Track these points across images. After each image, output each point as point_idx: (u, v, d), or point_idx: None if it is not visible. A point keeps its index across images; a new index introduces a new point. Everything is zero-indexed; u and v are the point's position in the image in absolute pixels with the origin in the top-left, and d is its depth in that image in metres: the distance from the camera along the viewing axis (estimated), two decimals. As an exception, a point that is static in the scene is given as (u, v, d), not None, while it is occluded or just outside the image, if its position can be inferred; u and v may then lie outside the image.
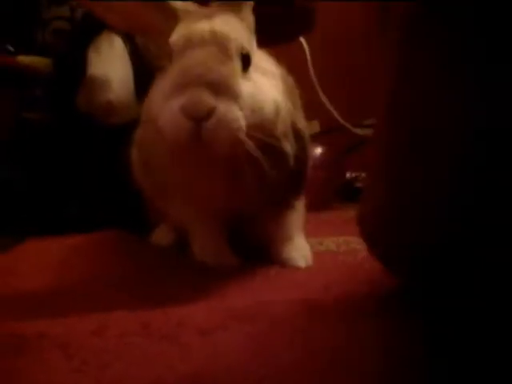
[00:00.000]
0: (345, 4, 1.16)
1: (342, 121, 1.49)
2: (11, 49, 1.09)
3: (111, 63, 1.03)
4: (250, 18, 0.76)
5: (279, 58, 0.95)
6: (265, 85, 0.70)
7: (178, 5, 0.71)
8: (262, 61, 0.78)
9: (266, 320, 0.55)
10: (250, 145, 0.63)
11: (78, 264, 0.82)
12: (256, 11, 1.23)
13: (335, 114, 1.48)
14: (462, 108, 0.45)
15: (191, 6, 0.72)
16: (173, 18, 0.69)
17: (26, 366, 0.48)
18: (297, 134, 0.75)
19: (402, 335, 0.52)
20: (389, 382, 0.45)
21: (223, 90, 0.61)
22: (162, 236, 0.91)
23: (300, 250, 0.78)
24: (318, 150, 1.37)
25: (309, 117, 0.83)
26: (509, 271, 0.45)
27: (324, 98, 1.44)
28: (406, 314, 0.56)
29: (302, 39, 1.35)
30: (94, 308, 0.60)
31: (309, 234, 0.86)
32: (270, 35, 1.22)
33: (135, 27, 0.76)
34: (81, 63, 1.04)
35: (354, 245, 0.86)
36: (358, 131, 1.48)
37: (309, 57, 1.33)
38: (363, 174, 1.05)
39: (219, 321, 0.55)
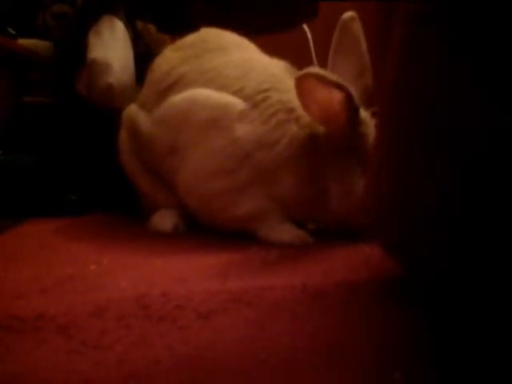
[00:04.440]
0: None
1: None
2: (12, 31, 1.08)
3: (112, 47, 1.03)
4: None
5: (282, 47, 0.95)
6: None
7: None
8: None
9: (265, 304, 0.55)
10: None
11: (75, 247, 0.81)
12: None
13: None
14: (465, 98, 0.45)
15: None
16: None
17: (23, 347, 0.47)
18: None
19: (402, 320, 0.52)
20: (390, 366, 0.45)
21: None
22: (160, 221, 0.91)
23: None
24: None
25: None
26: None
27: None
28: (407, 299, 0.56)
29: (305, 27, 1.34)
30: (92, 290, 0.61)
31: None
32: (273, 22, 1.23)
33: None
34: (81, 47, 1.03)
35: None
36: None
37: (312, 45, 1.32)
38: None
39: (218, 304, 0.55)
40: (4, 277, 0.67)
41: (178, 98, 0.86)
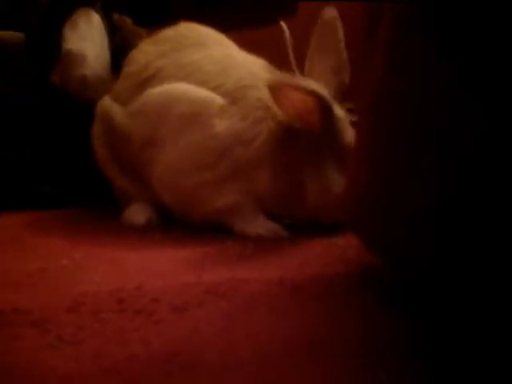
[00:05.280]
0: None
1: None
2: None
3: (88, 39, 1.02)
4: None
5: (259, 44, 0.95)
6: None
7: None
8: None
9: (241, 297, 0.56)
10: None
11: (47, 241, 0.81)
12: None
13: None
14: (451, 98, 0.46)
15: None
16: None
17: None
18: None
19: (380, 313, 0.52)
20: (368, 359, 0.45)
21: None
22: (134, 215, 0.90)
23: None
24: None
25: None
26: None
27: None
28: (384, 293, 0.57)
29: (282, 25, 1.34)
30: (66, 284, 0.61)
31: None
32: (250, 17, 1.22)
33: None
34: (56, 38, 1.02)
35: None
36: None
37: (289, 43, 1.32)
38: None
39: (193, 297, 0.55)
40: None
41: (156, 91, 0.85)
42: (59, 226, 0.89)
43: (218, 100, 0.82)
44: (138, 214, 0.90)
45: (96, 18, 1.04)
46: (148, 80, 0.88)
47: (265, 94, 0.81)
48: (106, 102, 0.92)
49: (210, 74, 0.85)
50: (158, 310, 0.53)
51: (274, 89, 0.76)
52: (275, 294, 0.57)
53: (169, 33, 0.93)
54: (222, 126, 0.81)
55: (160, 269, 0.66)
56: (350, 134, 0.81)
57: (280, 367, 0.43)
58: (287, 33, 1.40)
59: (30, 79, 1.06)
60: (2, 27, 1.07)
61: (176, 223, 0.88)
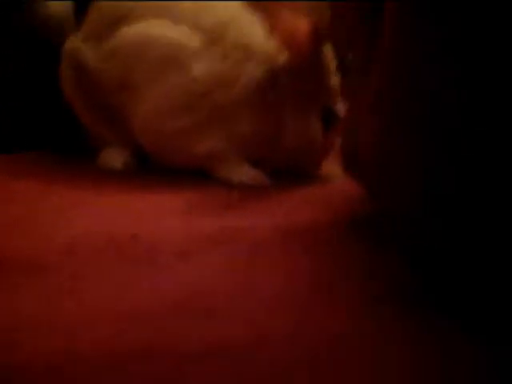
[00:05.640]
0: None
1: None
2: None
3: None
4: None
5: None
6: None
7: None
8: None
9: (245, 244, 0.54)
10: None
11: (16, 185, 0.76)
12: None
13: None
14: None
15: None
16: None
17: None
18: None
19: (382, 257, 0.52)
20: (372, 303, 0.45)
21: None
22: (110, 159, 0.87)
23: None
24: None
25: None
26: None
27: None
28: (384, 236, 0.56)
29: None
30: (50, 229, 0.57)
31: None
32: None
33: None
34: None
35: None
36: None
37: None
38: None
39: (195, 244, 0.54)
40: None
41: (131, 32, 0.80)
42: (30, 169, 0.84)
43: (196, 40, 0.79)
44: (114, 157, 0.86)
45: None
46: (121, 19, 0.82)
47: (244, 32, 0.79)
48: (75, 44, 0.86)
49: (187, 10, 0.80)
50: (159, 257, 0.51)
51: (270, 6, 0.74)
52: (276, 240, 0.56)
53: None
54: (200, 68, 0.78)
55: (146, 214, 0.64)
56: (334, 78, 0.80)
57: (307, 310, 0.43)
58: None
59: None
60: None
61: (153, 168, 0.85)
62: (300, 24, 0.73)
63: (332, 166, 0.83)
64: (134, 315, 0.41)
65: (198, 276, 0.48)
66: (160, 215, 0.64)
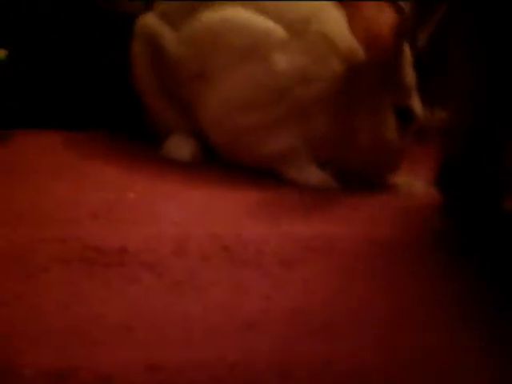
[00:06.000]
0: None
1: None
2: None
3: None
4: None
5: None
6: None
7: None
8: None
9: (338, 254, 0.55)
10: None
11: (99, 168, 0.76)
12: None
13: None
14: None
15: None
16: None
17: (117, 284, 0.45)
18: None
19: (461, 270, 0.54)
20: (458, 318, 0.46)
21: None
22: (177, 149, 0.86)
23: None
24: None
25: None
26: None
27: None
28: (460, 250, 0.58)
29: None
30: (147, 222, 0.58)
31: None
32: None
33: None
34: None
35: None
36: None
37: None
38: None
39: (296, 252, 0.54)
40: (42, 200, 0.61)
41: (213, 18, 0.79)
42: (101, 151, 0.84)
43: (279, 32, 0.77)
44: (181, 146, 0.86)
45: None
46: (203, 2, 0.81)
47: (327, 27, 0.78)
48: (152, 22, 0.85)
49: (271, 3, 0.79)
50: (265, 262, 0.51)
51: (352, 5, 0.73)
52: (370, 252, 0.56)
53: None
54: (282, 61, 0.76)
55: (235, 214, 0.64)
56: (410, 75, 0.79)
57: (407, 329, 0.44)
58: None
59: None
60: None
61: (216, 160, 0.85)
62: (382, 20, 0.72)
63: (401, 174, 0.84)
64: (253, 326, 0.42)
65: (305, 287, 0.49)
66: (247, 216, 0.64)
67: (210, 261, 0.50)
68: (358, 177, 0.81)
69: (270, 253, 0.53)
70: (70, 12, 0.98)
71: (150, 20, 0.86)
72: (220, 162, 0.84)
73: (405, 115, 0.78)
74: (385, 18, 0.72)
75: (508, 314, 0.47)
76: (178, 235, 0.53)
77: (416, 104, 0.79)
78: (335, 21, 0.78)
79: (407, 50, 0.78)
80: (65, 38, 0.98)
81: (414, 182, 0.82)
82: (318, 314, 0.45)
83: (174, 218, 0.60)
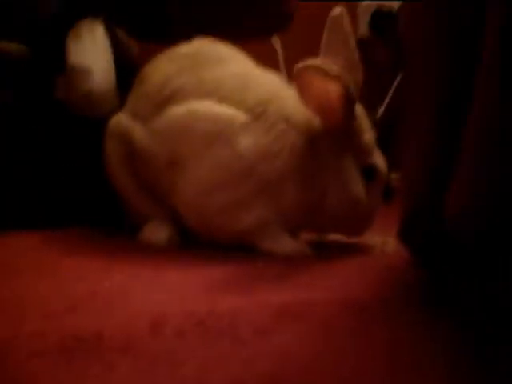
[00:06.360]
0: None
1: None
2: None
3: (93, 52, 1.00)
4: None
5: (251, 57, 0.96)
6: None
7: None
8: None
9: (315, 320, 0.56)
10: None
11: (78, 262, 0.79)
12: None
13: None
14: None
15: None
16: None
17: (95, 370, 0.46)
18: None
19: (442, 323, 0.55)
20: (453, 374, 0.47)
21: None
22: (155, 233, 0.89)
23: None
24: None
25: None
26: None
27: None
28: (439, 303, 0.60)
29: (275, 39, 1.35)
30: (125, 307, 0.59)
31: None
32: (246, 31, 1.23)
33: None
34: (59, 52, 0.99)
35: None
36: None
37: (281, 57, 1.33)
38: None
39: (271, 319, 0.55)
40: (21, 294, 0.63)
41: (178, 111, 0.85)
42: (76, 246, 0.87)
43: (241, 117, 0.83)
44: (158, 232, 0.89)
45: (100, 31, 1.03)
46: (168, 99, 0.87)
47: (284, 104, 0.83)
48: (123, 121, 0.90)
49: (231, 90, 0.85)
50: (239, 332, 0.53)
51: (301, 74, 0.76)
52: (344, 316, 0.57)
53: (184, 49, 0.92)
54: (245, 143, 0.81)
55: (210, 290, 0.65)
56: (369, 135, 0.84)
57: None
58: (279, 47, 1.43)
59: (34, 92, 1.02)
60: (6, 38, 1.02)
61: (194, 241, 0.88)
62: (331, 88, 0.77)
63: (374, 233, 0.86)
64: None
65: (282, 353, 0.49)
66: (221, 290, 0.66)
67: (185, 337, 0.51)
68: (331, 239, 0.84)
69: (244, 323, 0.54)
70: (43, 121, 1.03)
71: (120, 119, 0.91)
72: (196, 242, 0.87)
73: (369, 173, 0.83)
74: (332, 91, 0.77)
75: (490, 361, 0.48)
76: (153, 316, 0.54)
77: (379, 161, 0.84)
78: (290, 98, 0.84)
79: (364, 113, 0.84)
80: (45, 144, 1.03)
81: (387, 240, 0.85)
82: (296, 379, 0.46)
83: (149, 299, 0.61)
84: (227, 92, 0.84)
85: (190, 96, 0.85)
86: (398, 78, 1.25)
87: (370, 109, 0.89)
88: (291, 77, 0.88)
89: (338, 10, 0.84)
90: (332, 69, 0.76)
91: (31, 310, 0.59)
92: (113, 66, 1.02)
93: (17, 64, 1.02)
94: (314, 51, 0.85)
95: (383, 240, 0.86)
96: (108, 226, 0.97)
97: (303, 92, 0.78)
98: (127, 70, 1.02)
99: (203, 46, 0.92)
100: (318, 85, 0.76)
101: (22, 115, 1.02)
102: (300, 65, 0.76)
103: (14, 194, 0.99)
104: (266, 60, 0.99)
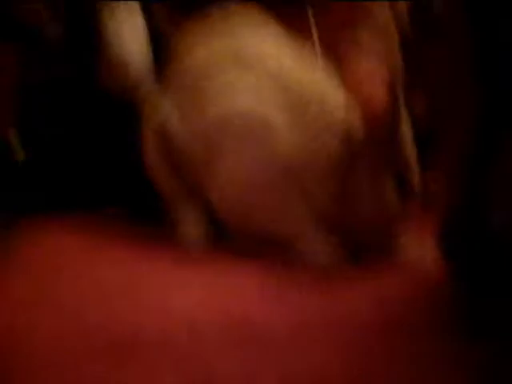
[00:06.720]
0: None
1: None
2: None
3: (129, 33, 0.98)
4: None
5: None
6: None
7: None
8: None
9: (347, 330, 0.58)
10: None
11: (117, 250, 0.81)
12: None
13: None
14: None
15: None
16: None
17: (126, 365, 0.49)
18: None
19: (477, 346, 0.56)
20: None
21: None
22: (190, 229, 0.90)
23: None
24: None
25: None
26: None
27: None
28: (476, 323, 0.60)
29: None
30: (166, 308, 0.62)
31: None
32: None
33: None
34: (95, 28, 0.97)
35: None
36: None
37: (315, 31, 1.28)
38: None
39: (303, 328, 0.58)
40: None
41: (219, 107, 0.84)
42: (115, 230, 0.89)
43: (280, 116, 0.82)
44: (193, 228, 0.90)
45: (136, 10, 1.01)
46: (208, 94, 0.86)
47: (324, 109, 0.82)
48: (160, 110, 0.90)
49: (271, 89, 0.84)
50: (274, 337, 0.55)
51: (350, 78, 0.77)
52: (378, 327, 0.59)
53: (226, 43, 0.89)
54: (284, 143, 0.81)
55: (248, 292, 0.68)
56: (410, 146, 0.84)
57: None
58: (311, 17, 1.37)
59: (70, 70, 1.02)
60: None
61: (227, 238, 0.88)
62: (377, 92, 0.77)
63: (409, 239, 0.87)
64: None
65: (320, 360, 0.52)
66: (257, 292, 0.68)
67: (220, 338, 0.54)
68: (365, 247, 0.85)
69: (278, 326, 0.57)
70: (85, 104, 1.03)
71: (158, 109, 0.90)
72: (230, 239, 0.88)
73: (404, 181, 0.84)
74: (380, 97, 0.76)
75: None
76: (191, 315, 0.57)
77: (414, 171, 0.84)
78: (332, 100, 0.82)
79: (406, 122, 0.83)
80: (83, 128, 1.03)
81: (422, 246, 0.86)
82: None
83: (186, 298, 0.64)
84: (268, 91, 0.83)
85: (230, 93, 0.85)
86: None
87: (408, 107, 0.88)
88: (323, 48, 0.87)
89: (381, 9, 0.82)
90: (383, 72, 0.75)
91: (69, 305, 0.62)
92: (148, 42, 1.00)
93: (53, 44, 1.01)
94: (346, 23, 0.83)
95: (419, 245, 0.86)
96: (145, 219, 0.98)
97: (350, 92, 0.78)
98: (163, 49, 1.01)
99: (245, 41, 0.89)
100: (367, 88, 0.76)
101: (61, 97, 1.02)
102: (350, 67, 0.76)
103: (56, 177, 1.00)
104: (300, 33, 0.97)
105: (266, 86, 0.84)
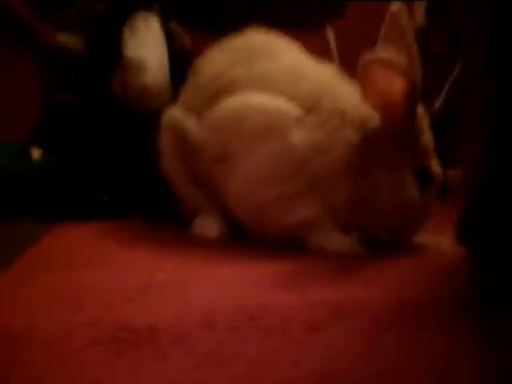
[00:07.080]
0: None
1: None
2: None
3: (148, 45, 1.01)
4: None
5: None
6: None
7: None
8: None
9: (364, 317, 0.55)
10: None
11: (129, 252, 0.80)
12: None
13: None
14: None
15: None
16: None
17: (148, 362, 0.47)
18: None
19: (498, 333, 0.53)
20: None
21: None
22: (206, 227, 0.90)
23: None
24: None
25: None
26: None
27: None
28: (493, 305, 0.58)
29: (328, 29, 1.33)
30: (179, 299, 0.60)
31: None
32: (299, 19, 1.21)
33: None
34: (116, 44, 1.01)
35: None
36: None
37: (334, 50, 1.31)
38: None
39: (322, 317, 0.55)
40: (77, 285, 0.65)
41: (232, 103, 0.85)
42: (132, 236, 0.88)
43: (294, 110, 0.82)
44: (209, 226, 0.90)
45: (155, 23, 1.04)
46: (222, 91, 0.87)
47: (338, 99, 0.81)
48: (176, 114, 0.91)
49: (284, 83, 0.84)
50: (290, 329, 0.52)
51: (367, 66, 0.73)
52: (397, 314, 0.56)
53: (238, 42, 0.92)
54: (299, 137, 0.80)
55: (262, 285, 0.65)
56: (428, 136, 0.81)
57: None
58: (332, 37, 1.41)
59: (90, 86, 1.05)
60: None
61: (242, 235, 0.88)
62: (394, 85, 0.74)
63: (428, 233, 0.84)
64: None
65: (333, 352, 0.49)
66: (273, 286, 0.66)
67: (236, 332, 0.51)
68: (383, 239, 0.82)
69: (295, 320, 0.54)
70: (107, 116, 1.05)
71: (174, 112, 0.92)
72: (245, 236, 0.87)
73: (424, 175, 0.80)
74: (396, 86, 0.74)
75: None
76: (205, 310, 0.55)
77: (434, 163, 0.81)
78: (347, 91, 0.83)
79: (424, 113, 0.81)
80: (103, 138, 1.05)
81: (442, 239, 0.83)
82: (346, 378, 0.46)
83: (201, 293, 0.62)
84: (280, 85, 0.84)
85: (243, 88, 0.85)
86: (457, 69, 1.21)
87: (427, 102, 0.86)
88: (344, 67, 0.87)
89: (396, 6, 0.81)
90: (400, 63, 0.73)
91: (87, 300, 0.60)
92: (167, 59, 1.03)
93: (77, 59, 1.04)
94: (366, 42, 0.83)
95: (438, 238, 0.83)
96: (161, 219, 0.99)
97: (365, 85, 0.76)
98: (181, 63, 1.03)
99: (256, 38, 0.92)
100: (383, 78, 0.74)
101: (81, 110, 1.05)
102: (367, 56, 0.73)
103: (74, 185, 1.02)
104: (319, 50, 0.98)
105: (281, 79, 0.84)
